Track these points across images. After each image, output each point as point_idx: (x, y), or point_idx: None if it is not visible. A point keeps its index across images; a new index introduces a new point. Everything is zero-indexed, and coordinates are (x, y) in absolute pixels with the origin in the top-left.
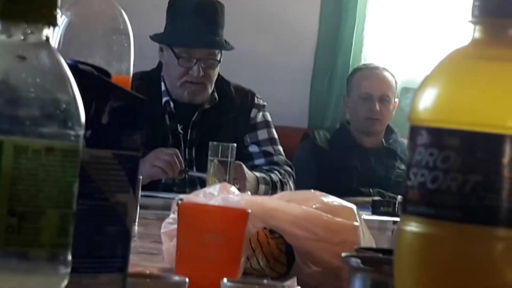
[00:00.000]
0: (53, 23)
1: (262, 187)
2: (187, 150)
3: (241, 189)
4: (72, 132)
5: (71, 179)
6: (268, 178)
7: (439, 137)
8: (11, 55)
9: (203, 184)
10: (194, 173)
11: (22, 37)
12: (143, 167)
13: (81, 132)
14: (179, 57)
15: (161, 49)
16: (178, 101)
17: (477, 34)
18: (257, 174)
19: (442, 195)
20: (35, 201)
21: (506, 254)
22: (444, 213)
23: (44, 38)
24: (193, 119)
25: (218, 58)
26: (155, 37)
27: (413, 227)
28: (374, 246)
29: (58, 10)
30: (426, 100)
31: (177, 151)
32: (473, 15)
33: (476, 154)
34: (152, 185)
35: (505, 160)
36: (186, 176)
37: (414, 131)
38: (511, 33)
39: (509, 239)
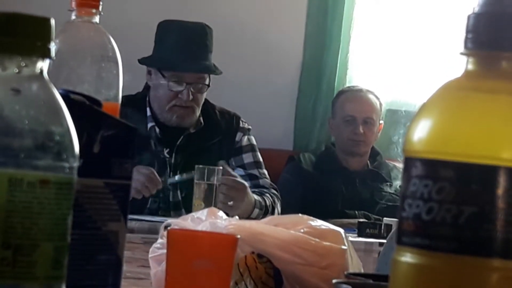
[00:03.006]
0: (47, 55)
1: (256, 211)
2: (171, 174)
3: (234, 209)
4: (66, 164)
5: (65, 211)
6: (263, 202)
7: (434, 168)
8: (5, 88)
9: (187, 207)
10: (172, 180)
11: (16, 70)
12: None
13: (75, 164)
14: (169, 81)
15: (149, 72)
16: (164, 125)
17: (470, 66)
18: (255, 197)
19: (437, 226)
20: (30, 234)
21: (502, 285)
22: (439, 244)
23: (38, 70)
24: (178, 143)
25: (207, 82)
26: (144, 61)
27: (408, 258)
28: (362, 269)
29: (52, 43)
30: (420, 132)
31: (153, 170)
32: (466, 47)
33: (470, 185)
34: (137, 209)
35: (500, 191)
36: (166, 185)
37: (409, 162)
38: (504, 66)
39: (504, 270)
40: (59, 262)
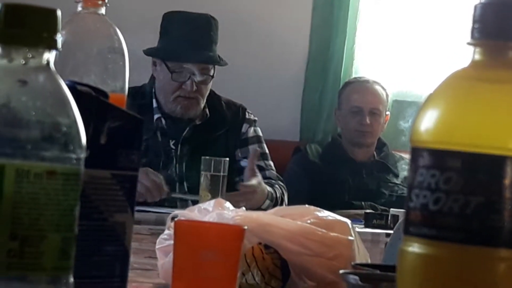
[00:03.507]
0: (54, 47)
1: (267, 202)
2: (177, 165)
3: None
4: (73, 156)
5: (72, 202)
6: (274, 194)
7: (441, 158)
8: (12, 80)
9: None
10: (177, 195)
11: (23, 62)
12: None
13: (82, 155)
14: (173, 72)
15: (154, 63)
16: (170, 116)
17: (477, 56)
18: (269, 188)
19: (444, 216)
20: (37, 225)
21: (509, 275)
22: (447, 234)
23: (45, 62)
24: (184, 134)
25: (212, 74)
26: (148, 51)
27: (415, 248)
28: (368, 259)
29: (59, 34)
30: (427, 122)
31: (162, 178)
32: (472, 37)
33: (478, 175)
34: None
35: (507, 181)
36: (169, 196)
37: (416, 152)
38: (511, 55)
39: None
40: (67, 253)
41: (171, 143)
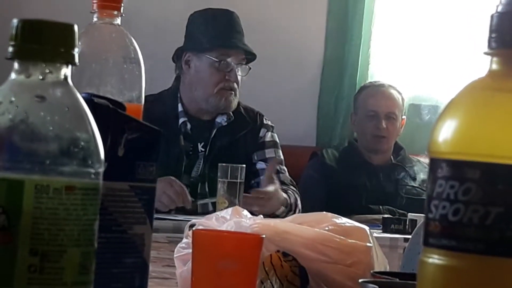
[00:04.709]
0: (71, 62)
1: (282, 208)
2: (203, 167)
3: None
4: (92, 170)
5: (91, 217)
6: (288, 200)
7: (460, 169)
8: (30, 95)
9: (214, 205)
10: (199, 201)
11: (41, 77)
12: None
13: (101, 169)
14: (220, 61)
15: (186, 63)
16: (196, 119)
17: (494, 66)
18: (284, 195)
19: (464, 227)
20: (57, 240)
21: None
22: (466, 245)
23: (62, 77)
24: (212, 136)
25: (249, 66)
26: (185, 47)
27: (435, 259)
28: (387, 266)
29: (76, 49)
30: (446, 133)
31: (185, 188)
32: (489, 47)
33: (497, 186)
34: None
35: None
36: (193, 206)
37: (434, 163)
38: None
39: None
40: (86, 267)
41: (200, 145)
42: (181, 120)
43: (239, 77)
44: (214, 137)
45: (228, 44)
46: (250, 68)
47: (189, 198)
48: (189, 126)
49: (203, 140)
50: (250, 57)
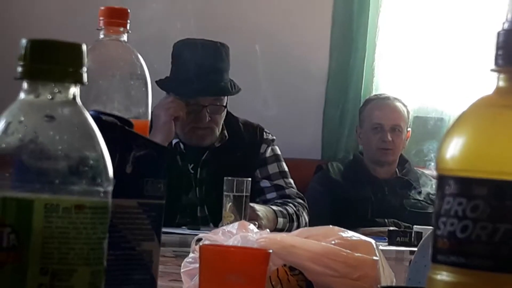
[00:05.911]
0: (80, 81)
1: (280, 220)
2: (197, 189)
3: (260, 227)
4: (101, 189)
5: (101, 235)
6: (285, 211)
7: (467, 186)
8: (39, 115)
9: (215, 221)
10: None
11: (50, 97)
12: (157, 133)
13: (110, 188)
14: (186, 105)
15: (167, 93)
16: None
17: (501, 83)
18: (274, 208)
19: (472, 244)
20: (67, 259)
21: None
22: (475, 262)
23: (71, 96)
24: (203, 158)
25: (225, 103)
26: (161, 84)
27: (444, 276)
28: (393, 279)
29: (84, 68)
30: (453, 150)
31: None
32: (496, 64)
33: (505, 202)
34: (166, 222)
35: None
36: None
37: (442, 180)
38: None
39: None
40: (96, 286)
41: (190, 167)
42: (174, 141)
43: (213, 116)
44: (206, 159)
45: (195, 93)
46: (225, 106)
47: (181, 103)
48: (182, 146)
49: (193, 162)
50: (232, 90)
